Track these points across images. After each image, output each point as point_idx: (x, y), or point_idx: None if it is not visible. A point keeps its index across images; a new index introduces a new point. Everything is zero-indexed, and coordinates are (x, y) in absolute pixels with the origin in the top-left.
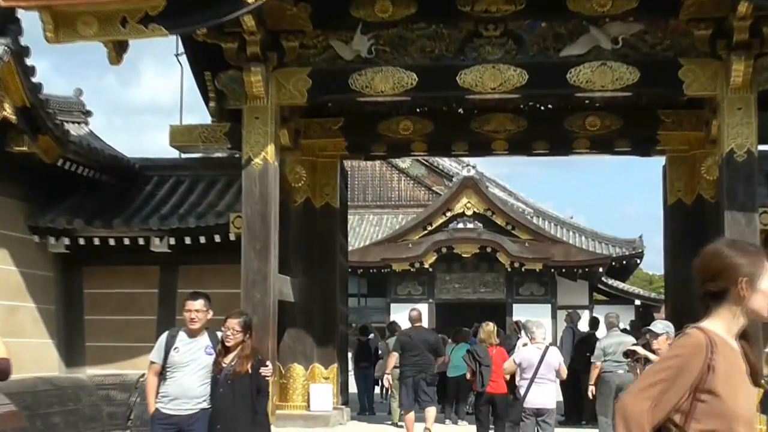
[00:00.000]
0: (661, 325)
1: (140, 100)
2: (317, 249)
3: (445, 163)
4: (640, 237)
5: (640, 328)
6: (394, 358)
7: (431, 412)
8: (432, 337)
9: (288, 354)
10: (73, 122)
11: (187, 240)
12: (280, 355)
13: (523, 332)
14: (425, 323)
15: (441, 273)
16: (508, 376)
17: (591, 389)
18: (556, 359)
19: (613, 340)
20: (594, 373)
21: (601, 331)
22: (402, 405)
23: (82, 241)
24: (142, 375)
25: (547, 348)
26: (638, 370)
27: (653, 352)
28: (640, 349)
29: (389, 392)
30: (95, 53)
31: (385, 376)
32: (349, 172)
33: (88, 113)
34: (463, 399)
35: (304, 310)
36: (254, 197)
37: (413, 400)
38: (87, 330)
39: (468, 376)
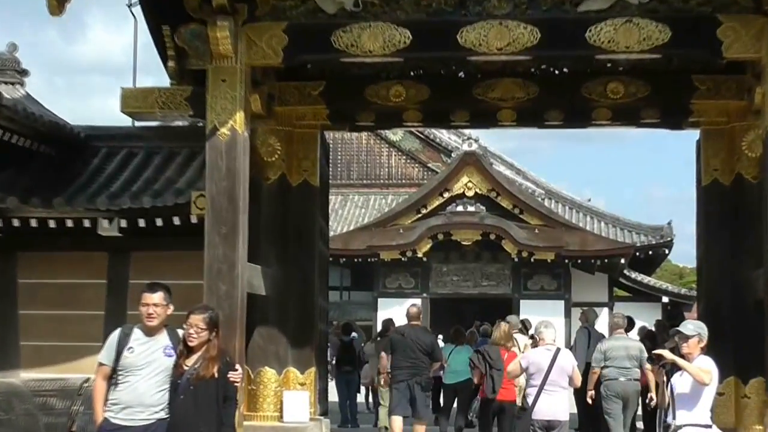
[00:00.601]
0: (692, 326)
1: (86, 58)
2: (293, 234)
3: (443, 135)
4: (669, 223)
5: (667, 329)
6: (385, 359)
7: (423, 425)
8: (428, 338)
9: (258, 356)
10: (5, 83)
11: (141, 222)
12: (249, 357)
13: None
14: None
15: (437, 263)
16: (518, 384)
17: (590, 394)
18: (569, 363)
19: (616, 343)
20: (592, 379)
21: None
22: (391, 412)
23: (16, 223)
24: (87, 380)
25: (558, 350)
26: (663, 378)
27: (683, 356)
28: (667, 353)
29: (375, 400)
30: (32, 1)
31: (380, 377)
32: (331, 145)
33: (24, 72)
34: (461, 409)
35: (278, 304)
36: (220, 173)
37: (407, 406)
38: (21, 327)
39: (476, 380)
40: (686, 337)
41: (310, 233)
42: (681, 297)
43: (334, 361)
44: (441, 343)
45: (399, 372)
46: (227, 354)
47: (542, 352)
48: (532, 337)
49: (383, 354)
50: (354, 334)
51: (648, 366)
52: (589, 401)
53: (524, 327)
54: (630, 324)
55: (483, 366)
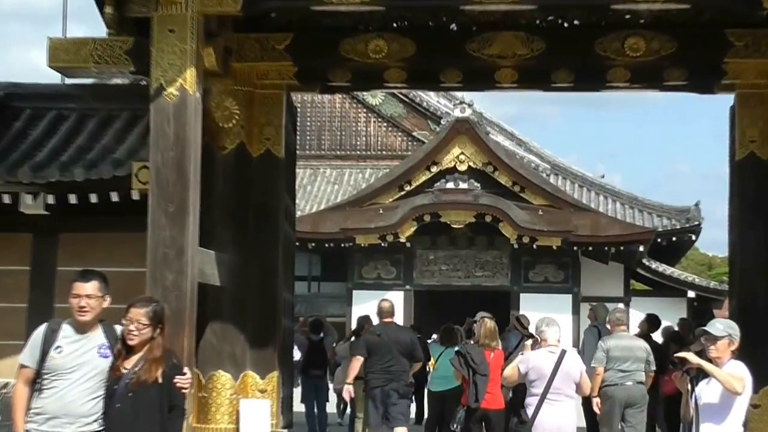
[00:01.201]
0: (721, 326)
1: (5, 2)
2: (254, 214)
3: (431, 99)
4: (697, 204)
5: (693, 328)
6: (358, 363)
7: None
8: (407, 336)
9: (211, 357)
10: None
11: (72, 198)
12: (200, 358)
13: (518, 331)
14: (400, 318)
15: (423, 250)
16: (509, 391)
17: (596, 402)
18: (576, 368)
19: (620, 342)
20: (596, 382)
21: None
22: (369, 424)
23: None
24: (6, 384)
25: (563, 353)
26: (688, 386)
27: (710, 361)
28: (692, 357)
29: (350, 410)
30: None
31: (346, 387)
32: (299, 110)
33: None
34: (450, 421)
35: (235, 297)
36: (167, 141)
37: (382, 417)
38: None
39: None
40: (714, 339)
41: (274, 213)
42: (710, 291)
43: (300, 364)
44: (432, 344)
45: (374, 377)
46: (173, 355)
47: (544, 354)
48: (530, 336)
49: (356, 358)
50: (325, 333)
51: (653, 369)
52: (596, 410)
53: (520, 324)
54: (655, 324)
55: (465, 370)
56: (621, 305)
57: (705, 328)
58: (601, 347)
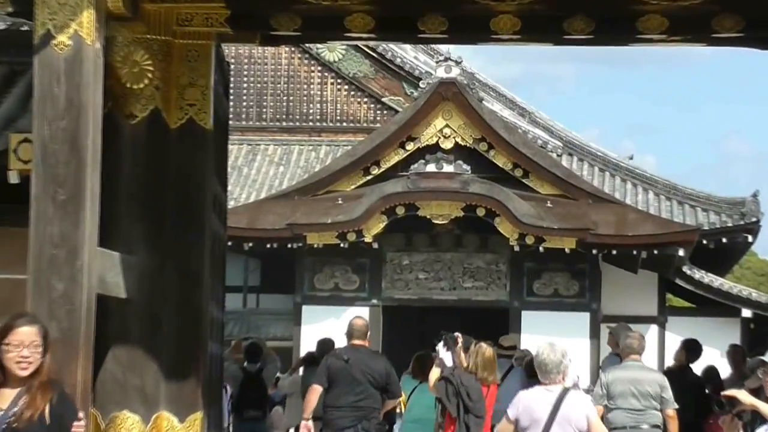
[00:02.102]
0: None
1: None
2: (171, 203)
3: (406, 55)
4: (755, 195)
5: (746, 357)
6: (315, 395)
7: None
8: (380, 364)
9: (113, 393)
10: None
11: None
12: (99, 394)
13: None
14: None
15: (394, 253)
16: None
17: None
18: (581, 412)
19: (625, 374)
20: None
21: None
22: None
23: None
24: None
25: (564, 392)
26: (740, 429)
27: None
28: (745, 396)
29: None
30: None
31: (303, 424)
32: (233, 67)
33: None
34: None
35: (146, 313)
36: (56, 106)
37: None
38: None
39: (437, 425)
40: None
41: (199, 202)
42: None
43: (232, 402)
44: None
45: (339, 415)
46: (61, 389)
47: (540, 394)
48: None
49: (313, 387)
50: (263, 361)
51: (672, 409)
52: None
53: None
54: (695, 351)
55: (454, 406)
56: (653, 327)
57: (763, 358)
58: (601, 381)
